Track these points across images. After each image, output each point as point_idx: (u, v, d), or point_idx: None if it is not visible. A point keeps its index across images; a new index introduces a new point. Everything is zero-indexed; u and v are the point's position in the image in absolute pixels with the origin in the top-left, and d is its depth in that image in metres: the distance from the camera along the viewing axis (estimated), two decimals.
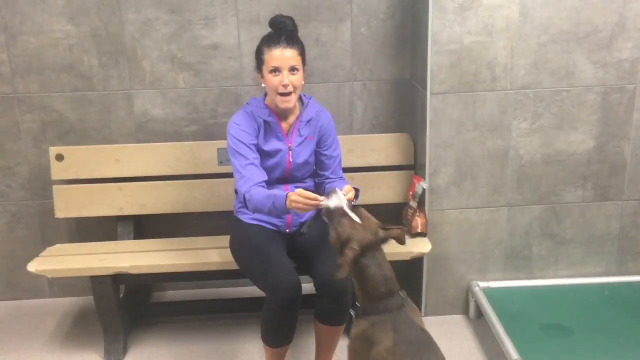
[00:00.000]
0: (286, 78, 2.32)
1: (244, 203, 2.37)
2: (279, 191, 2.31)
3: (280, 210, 2.24)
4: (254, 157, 2.40)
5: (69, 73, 3.01)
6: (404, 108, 3.16)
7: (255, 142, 2.42)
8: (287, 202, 2.18)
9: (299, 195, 2.14)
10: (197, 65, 3.04)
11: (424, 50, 2.75)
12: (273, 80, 2.33)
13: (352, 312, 2.02)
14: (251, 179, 2.35)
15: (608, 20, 2.69)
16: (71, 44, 2.98)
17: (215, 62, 3.05)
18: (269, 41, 2.35)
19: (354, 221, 1.96)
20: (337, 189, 2.13)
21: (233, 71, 3.06)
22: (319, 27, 3.02)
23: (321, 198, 2.11)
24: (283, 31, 2.36)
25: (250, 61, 3.04)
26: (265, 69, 2.35)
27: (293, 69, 2.34)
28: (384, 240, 1.97)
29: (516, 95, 2.77)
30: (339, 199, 2.04)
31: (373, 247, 1.92)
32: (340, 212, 2.01)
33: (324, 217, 2.10)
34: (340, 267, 1.88)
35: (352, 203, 2.17)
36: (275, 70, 2.33)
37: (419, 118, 2.93)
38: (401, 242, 2.01)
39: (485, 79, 2.73)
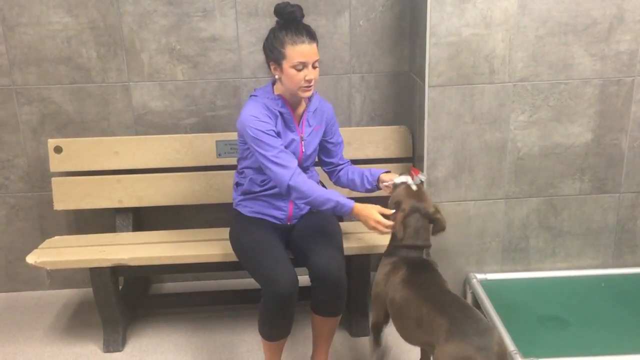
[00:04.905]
0: (311, 73, 2.30)
1: (287, 192, 2.33)
2: (340, 196, 2.34)
3: (340, 213, 2.37)
4: (280, 143, 2.36)
5: (67, 65, 3.01)
6: (402, 100, 3.17)
7: (276, 129, 2.37)
8: (368, 221, 2.29)
9: (379, 224, 2.26)
10: (195, 57, 3.04)
11: (422, 42, 2.75)
12: (296, 75, 2.29)
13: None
14: (289, 166, 2.32)
15: (606, 12, 2.69)
16: (69, 35, 2.97)
17: (213, 54, 3.04)
18: (289, 35, 2.28)
19: (409, 189, 2.28)
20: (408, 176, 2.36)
21: (231, 63, 3.06)
22: (317, 19, 3.01)
23: (391, 223, 2.26)
24: (297, 23, 2.32)
25: (248, 53, 3.04)
26: (286, 64, 2.29)
27: (315, 63, 2.32)
28: (432, 215, 2.25)
29: (514, 87, 2.77)
30: (405, 178, 2.34)
31: (420, 212, 2.22)
32: (402, 185, 2.33)
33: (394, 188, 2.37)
34: (396, 227, 2.21)
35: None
36: (300, 66, 2.29)
37: (417, 110, 2.93)
38: (440, 228, 2.28)
39: (483, 72, 2.73)
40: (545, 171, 2.90)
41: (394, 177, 2.42)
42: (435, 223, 2.25)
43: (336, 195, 2.34)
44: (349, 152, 3.04)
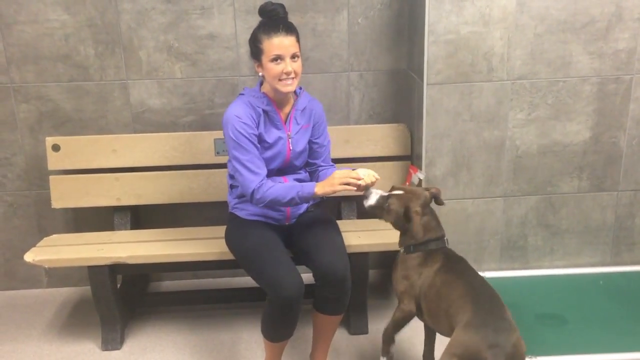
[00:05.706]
0: (289, 65, 2.30)
1: (250, 197, 2.35)
2: (299, 182, 2.37)
3: (305, 199, 2.35)
4: (256, 149, 2.37)
5: (64, 63, 3.01)
6: (400, 98, 3.16)
7: (256, 132, 2.38)
8: (333, 182, 2.30)
9: (346, 176, 2.28)
10: (193, 55, 3.04)
11: (420, 40, 2.75)
12: (275, 68, 2.30)
13: (401, 250, 2.31)
14: (259, 173, 2.34)
15: (604, 11, 2.69)
16: (67, 33, 2.96)
17: (211, 52, 3.04)
18: (266, 29, 2.31)
19: (401, 195, 2.24)
20: (369, 188, 2.31)
21: (229, 61, 3.06)
22: (315, 17, 3.01)
23: (360, 175, 2.30)
24: (277, 19, 2.33)
25: (246, 51, 3.03)
26: (265, 58, 2.32)
27: (294, 56, 2.32)
28: (432, 197, 2.27)
29: (512, 85, 2.77)
30: (376, 194, 2.28)
31: (427, 204, 2.25)
32: (383, 199, 2.26)
33: (372, 211, 2.30)
34: (416, 231, 2.19)
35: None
36: (277, 59, 2.30)
37: (416, 108, 2.93)
38: (439, 200, 2.29)
39: (481, 70, 2.73)
40: (543, 169, 2.90)
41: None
42: (436, 199, 2.28)
43: (294, 182, 2.38)
44: (347, 151, 3.04)
